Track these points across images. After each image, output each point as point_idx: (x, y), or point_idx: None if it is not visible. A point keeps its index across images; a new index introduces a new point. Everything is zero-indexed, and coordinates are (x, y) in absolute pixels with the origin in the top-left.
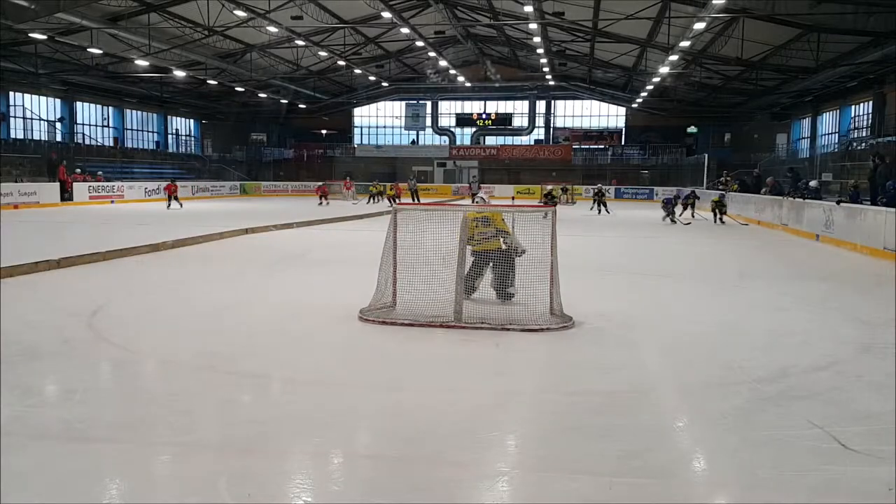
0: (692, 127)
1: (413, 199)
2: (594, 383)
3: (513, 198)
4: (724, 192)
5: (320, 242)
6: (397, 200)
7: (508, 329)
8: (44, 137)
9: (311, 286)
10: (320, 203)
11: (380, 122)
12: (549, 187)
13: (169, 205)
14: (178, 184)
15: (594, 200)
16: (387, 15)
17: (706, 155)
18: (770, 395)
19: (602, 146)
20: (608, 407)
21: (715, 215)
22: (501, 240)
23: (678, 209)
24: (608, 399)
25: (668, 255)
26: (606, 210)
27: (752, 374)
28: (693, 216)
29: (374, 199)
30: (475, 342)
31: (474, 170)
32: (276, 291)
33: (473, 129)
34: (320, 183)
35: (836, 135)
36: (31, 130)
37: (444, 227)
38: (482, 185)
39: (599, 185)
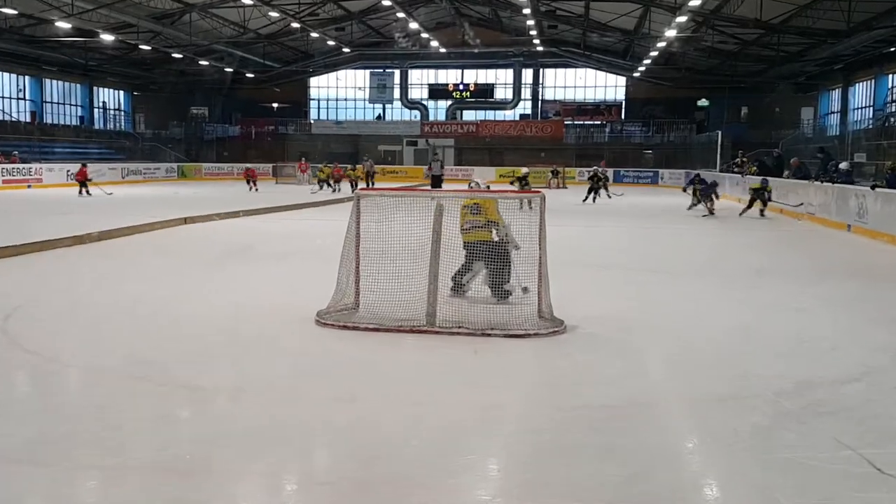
0: (703, 100)
1: (367, 184)
2: (589, 397)
3: (488, 186)
4: (766, 178)
5: (271, 233)
6: (356, 186)
7: (489, 334)
8: None
9: (261, 284)
10: (250, 189)
11: (340, 94)
12: (524, 170)
13: (81, 191)
14: (88, 167)
15: (589, 189)
16: None
17: (719, 132)
18: (792, 411)
19: (598, 122)
20: (605, 424)
21: (750, 205)
22: (493, 231)
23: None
24: (605, 415)
25: (675, 249)
26: (608, 194)
27: (772, 385)
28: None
29: (322, 185)
30: (450, 349)
31: (449, 149)
32: (219, 290)
33: (449, 103)
34: (248, 165)
35: (871, 108)
36: None
37: (414, 216)
38: (445, 166)
39: (595, 167)
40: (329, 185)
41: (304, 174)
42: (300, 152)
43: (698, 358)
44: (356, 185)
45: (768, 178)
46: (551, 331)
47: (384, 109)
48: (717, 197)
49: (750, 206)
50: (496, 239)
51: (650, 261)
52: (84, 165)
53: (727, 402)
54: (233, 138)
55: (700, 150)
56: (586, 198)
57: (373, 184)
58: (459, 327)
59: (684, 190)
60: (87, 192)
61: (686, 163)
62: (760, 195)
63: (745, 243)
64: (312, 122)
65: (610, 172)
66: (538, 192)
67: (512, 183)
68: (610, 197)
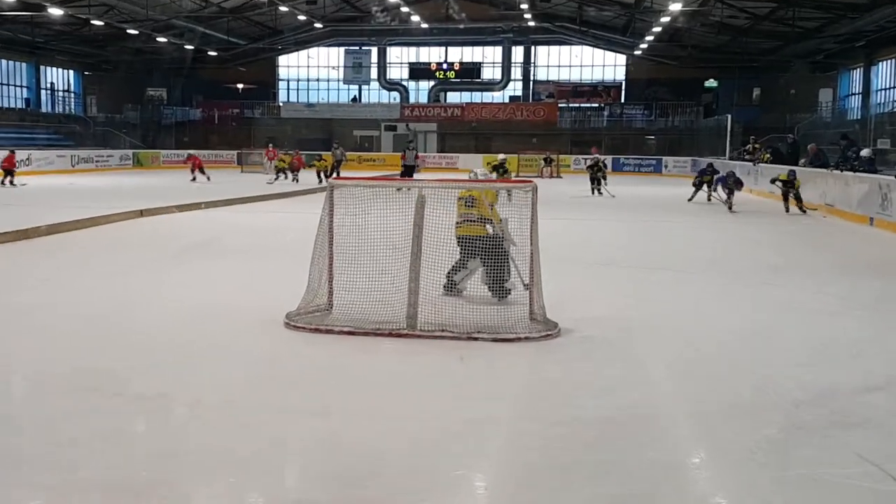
0: (711, 80)
1: (335, 174)
2: (585, 408)
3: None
4: (793, 169)
5: (236, 227)
6: (326, 176)
7: (476, 338)
8: None
9: (224, 283)
10: (193, 179)
11: (312, 74)
12: (500, 157)
13: (5, 181)
14: (17, 155)
15: (592, 179)
16: None
17: (729, 116)
18: (811, 423)
19: (596, 105)
20: (602, 438)
21: (786, 199)
22: (488, 225)
23: (705, 190)
24: (602, 428)
25: (680, 244)
26: (600, 190)
27: (789, 395)
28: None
29: (280, 175)
30: (433, 356)
31: (431, 134)
32: (178, 290)
33: (432, 84)
34: (190, 152)
35: None
36: None
37: (394, 208)
38: (419, 155)
39: (596, 155)
40: (286, 174)
41: (271, 162)
42: (267, 138)
43: (706, 364)
44: (328, 176)
45: (796, 170)
46: (544, 334)
47: (360, 91)
48: (740, 187)
49: (787, 201)
50: (491, 233)
51: (653, 257)
52: (12, 152)
53: (739, 414)
54: (194, 123)
55: (708, 135)
56: (594, 189)
57: (338, 174)
58: (443, 331)
59: (695, 185)
60: (12, 182)
61: (692, 149)
62: (789, 186)
63: (757, 238)
64: (281, 104)
65: (609, 161)
66: (529, 181)
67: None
68: (601, 193)
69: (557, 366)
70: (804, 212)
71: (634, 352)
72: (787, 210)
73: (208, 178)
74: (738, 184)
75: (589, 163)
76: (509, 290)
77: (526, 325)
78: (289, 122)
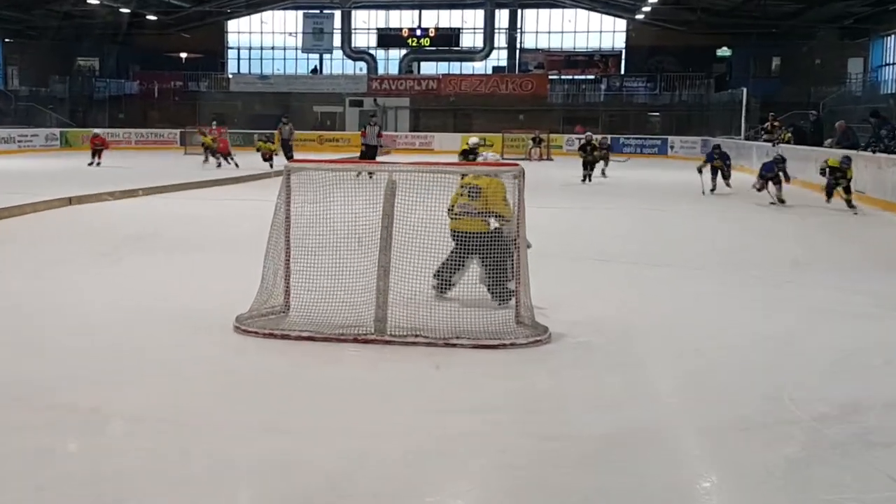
0: (724, 49)
1: (287, 157)
2: (578, 423)
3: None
4: (848, 157)
5: (178, 218)
6: (271, 159)
7: (454, 344)
8: None
9: (165, 282)
10: (91, 163)
11: (266, 41)
12: (473, 140)
13: None
14: None
15: (585, 164)
16: None
17: (744, 90)
18: (836, 441)
19: (592, 77)
20: (600, 458)
21: (830, 192)
22: (490, 220)
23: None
24: (599, 446)
25: (688, 237)
26: (590, 177)
27: (811, 409)
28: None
29: (209, 156)
30: (405, 364)
31: (403, 110)
32: (113, 290)
33: (403, 52)
34: (96, 131)
35: None
36: None
37: (360, 196)
38: (383, 133)
39: (588, 133)
40: (214, 156)
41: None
42: (214, 114)
43: (717, 374)
44: (273, 158)
45: (850, 155)
46: (532, 340)
47: (321, 61)
48: (787, 178)
49: (830, 193)
50: (492, 228)
51: (656, 251)
52: None
53: (753, 430)
54: (130, 97)
55: (720, 111)
56: (585, 176)
57: (291, 156)
58: (416, 336)
59: (700, 171)
60: None
61: (702, 128)
62: (839, 175)
63: (776, 229)
64: (231, 76)
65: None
66: (515, 164)
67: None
68: (588, 178)
69: (548, 375)
70: (853, 207)
71: (635, 359)
72: (829, 201)
73: (98, 164)
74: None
75: (581, 143)
76: (513, 291)
77: (511, 329)
78: (239, 96)
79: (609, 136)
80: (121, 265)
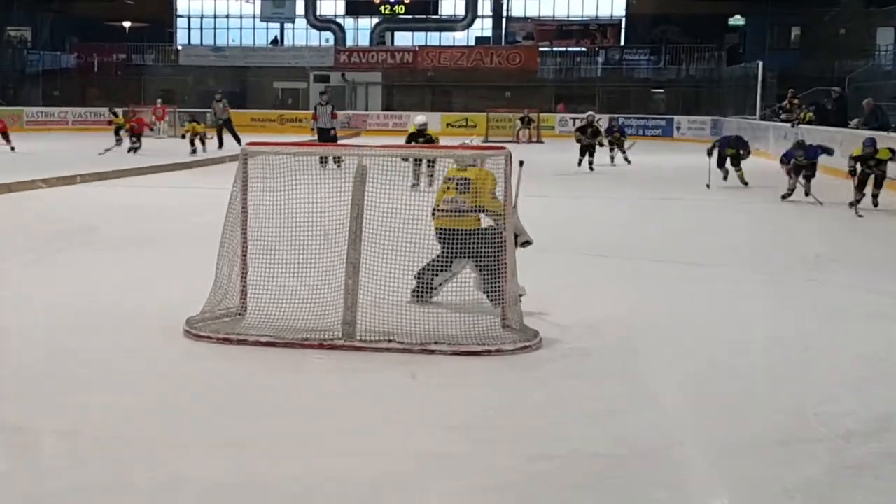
0: (737, 17)
1: (219, 141)
2: (573, 440)
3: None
4: (871, 138)
5: (122, 208)
6: (200, 143)
7: (433, 351)
8: None
9: (108, 282)
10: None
11: (220, 9)
12: (420, 119)
13: None
14: None
15: (611, 144)
16: None
17: (760, 63)
18: (865, 461)
19: (587, 49)
20: (596, 480)
21: (861, 187)
22: (483, 217)
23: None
24: (596, 467)
25: (697, 230)
26: (591, 159)
27: (836, 425)
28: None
29: (121, 139)
30: (377, 373)
31: (375, 86)
32: (47, 290)
33: (375, 21)
34: None
35: None
36: None
37: (327, 184)
38: (337, 112)
39: (590, 112)
40: (126, 137)
41: (160, 122)
42: (161, 91)
43: (730, 385)
44: (203, 142)
45: (874, 137)
46: (520, 346)
47: (282, 31)
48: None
49: (861, 188)
50: (486, 225)
51: (661, 246)
52: None
53: (773, 449)
54: (67, 72)
55: (733, 88)
56: (613, 155)
57: (236, 136)
58: (389, 341)
59: (710, 153)
60: None
61: (712, 106)
62: (872, 165)
63: (795, 223)
64: (180, 48)
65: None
66: (501, 147)
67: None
68: (627, 161)
69: (538, 386)
70: (877, 205)
71: (637, 367)
72: (858, 201)
73: (13, 148)
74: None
75: (581, 123)
76: (520, 295)
77: (497, 333)
78: (190, 70)
79: (620, 117)
80: (55, 262)
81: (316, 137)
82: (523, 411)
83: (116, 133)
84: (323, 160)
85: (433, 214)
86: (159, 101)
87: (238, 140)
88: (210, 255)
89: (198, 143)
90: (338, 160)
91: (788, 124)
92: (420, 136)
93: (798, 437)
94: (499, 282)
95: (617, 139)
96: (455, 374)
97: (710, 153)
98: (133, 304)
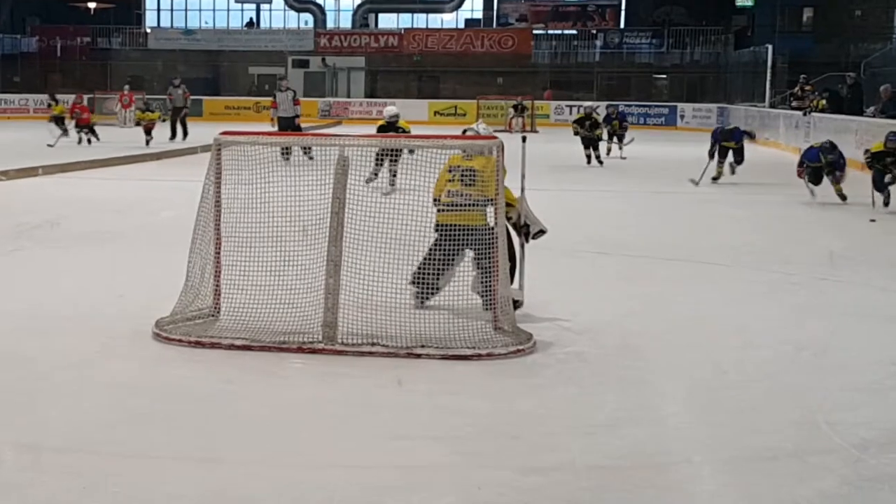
0: None
1: (172, 131)
2: (571, 451)
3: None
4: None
5: (86, 202)
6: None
7: (420, 355)
8: None
9: (72, 281)
10: None
11: None
12: (391, 109)
13: None
14: None
15: (610, 134)
16: None
17: (769, 47)
18: (883, 473)
19: (585, 32)
20: (596, 494)
21: (879, 185)
22: (488, 212)
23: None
24: (595, 481)
25: (703, 226)
26: (597, 154)
27: (852, 435)
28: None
29: (60, 129)
30: (360, 379)
31: (357, 72)
32: (5, 290)
33: (358, 2)
34: None
35: None
36: None
37: (306, 176)
38: (299, 98)
39: (591, 104)
40: (60, 125)
41: (126, 110)
42: (129, 77)
43: (740, 393)
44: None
45: None
46: (513, 350)
47: (258, 12)
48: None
49: (881, 187)
50: (492, 224)
51: (664, 243)
52: None
53: (784, 462)
54: (28, 56)
55: (741, 74)
56: (610, 146)
57: (176, 131)
58: (373, 344)
59: (712, 154)
60: None
61: (718, 93)
62: (890, 164)
63: (808, 217)
64: (149, 31)
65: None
66: (493, 137)
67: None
68: (611, 152)
69: (532, 393)
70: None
71: (639, 374)
72: (887, 203)
73: None
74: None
75: (581, 113)
76: (519, 301)
77: (488, 336)
78: (159, 55)
79: (621, 104)
80: (14, 261)
81: (276, 127)
82: (516, 421)
83: (59, 123)
84: (285, 152)
85: (435, 205)
86: (126, 87)
87: (185, 134)
88: (181, 252)
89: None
90: (307, 151)
91: (800, 112)
92: (391, 130)
93: (811, 449)
94: (492, 281)
95: (616, 128)
96: (443, 380)
97: (711, 155)
98: (98, 306)
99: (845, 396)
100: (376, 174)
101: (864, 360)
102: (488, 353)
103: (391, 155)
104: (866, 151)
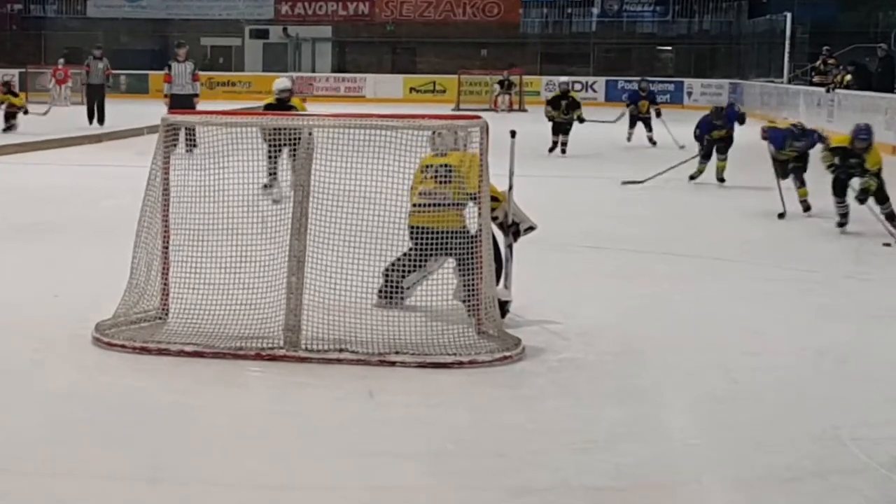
0: None
1: (89, 113)
2: (563, 471)
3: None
4: (864, 128)
5: (16, 190)
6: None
7: (393, 362)
8: None
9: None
10: None
11: None
12: (281, 83)
13: None
14: None
15: (633, 119)
16: None
17: (788, 15)
18: None
19: None
20: None
21: (838, 189)
22: (466, 214)
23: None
24: (593, 502)
25: (712, 218)
26: (565, 140)
27: (880, 452)
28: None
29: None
30: (326, 389)
31: (323, 43)
32: None
33: None
34: None
35: None
36: None
37: (264, 161)
38: (196, 71)
39: (564, 77)
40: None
41: (61, 86)
42: (65, 49)
43: (753, 405)
44: (10, 120)
45: (868, 126)
46: (499, 357)
47: None
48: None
49: (840, 192)
50: (471, 226)
51: (670, 237)
52: None
53: (804, 482)
54: None
55: (755, 45)
56: (554, 144)
57: (101, 115)
58: (341, 351)
59: (700, 143)
60: None
61: (730, 67)
62: (853, 168)
63: (829, 209)
64: None
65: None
66: (476, 117)
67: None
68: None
69: (520, 405)
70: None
71: (640, 383)
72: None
73: None
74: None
75: (556, 91)
76: (504, 302)
77: (471, 341)
78: (100, 24)
79: (651, 80)
80: None
81: (168, 106)
82: (502, 436)
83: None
84: (190, 143)
85: (411, 208)
86: (61, 61)
87: (102, 118)
88: (124, 246)
89: (20, 117)
90: (190, 141)
91: (823, 89)
92: (281, 109)
93: (834, 468)
94: (475, 281)
95: (644, 110)
96: (420, 390)
97: (706, 155)
98: (30, 307)
99: (872, 409)
100: (275, 174)
101: (892, 368)
102: (471, 361)
103: (290, 144)
104: (823, 143)
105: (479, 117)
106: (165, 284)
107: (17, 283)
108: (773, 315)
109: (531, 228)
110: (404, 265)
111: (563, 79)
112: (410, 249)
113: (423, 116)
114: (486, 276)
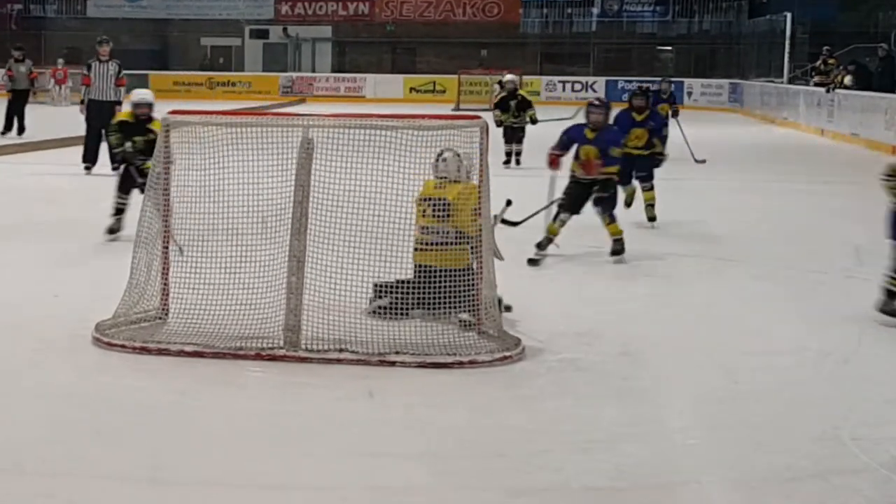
0: None
1: (7, 121)
2: (563, 471)
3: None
4: None
5: (14, 191)
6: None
7: (393, 363)
8: None
9: None
10: None
11: None
12: (140, 95)
13: None
14: None
15: (505, 132)
16: None
17: (788, 15)
18: None
19: None
20: None
21: None
22: (469, 250)
23: None
24: (593, 502)
25: (714, 215)
26: (518, 149)
27: (881, 453)
28: None
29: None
30: (326, 389)
31: (323, 43)
32: None
33: None
34: None
35: None
36: None
37: (266, 161)
38: (125, 77)
39: (510, 74)
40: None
41: (61, 86)
42: (65, 49)
43: (754, 405)
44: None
45: None
46: (498, 357)
47: None
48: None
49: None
50: (474, 265)
51: (667, 237)
52: None
53: (805, 483)
54: None
55: (755, 45)
56: (509, 155)
57: (22, 124)
58: (341, 351)
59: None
60: None
61: (730, 67)
62: None
63: (831, 207)
64: None
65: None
66: (476, 117)
67: None
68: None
69: (520, 405)
70: None
71: (641, 384)
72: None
73: None
74: None
75: (502, 91)
76: (507, 306)
77: (471, 341)
78: (100, 24)
79: (674, 82)
80: None
81: (84, 113)
82: (502, 436)
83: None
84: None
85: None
86: (61, 61)
87: (22, 127)
88: (124, 246)
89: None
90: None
91: (823, 89)
92: (135, 127)
93: (835, 468)
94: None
95: (665, 115)
96: (420, 390)
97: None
98: (30, 307)
99: (872, 409)
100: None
101: (892, 368)
102: (470, 361)
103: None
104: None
105: (479, 117)
106: (165, 284)
107: (17, 283)
108: (773, 315)
109: (498, 258)
110: (407, 293)
111: (509, 76)
112: (415, 284)
113: (423, 116)
114: (487, 277)
